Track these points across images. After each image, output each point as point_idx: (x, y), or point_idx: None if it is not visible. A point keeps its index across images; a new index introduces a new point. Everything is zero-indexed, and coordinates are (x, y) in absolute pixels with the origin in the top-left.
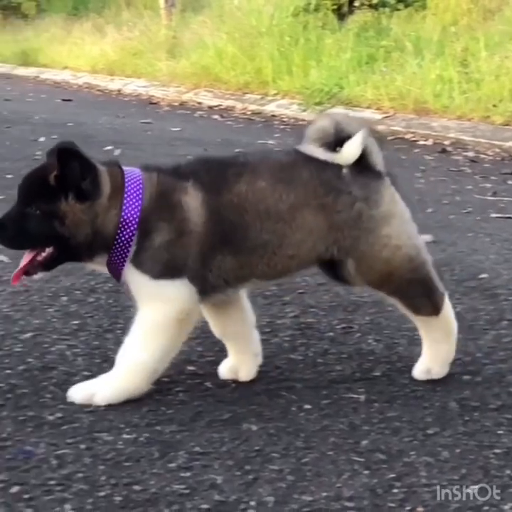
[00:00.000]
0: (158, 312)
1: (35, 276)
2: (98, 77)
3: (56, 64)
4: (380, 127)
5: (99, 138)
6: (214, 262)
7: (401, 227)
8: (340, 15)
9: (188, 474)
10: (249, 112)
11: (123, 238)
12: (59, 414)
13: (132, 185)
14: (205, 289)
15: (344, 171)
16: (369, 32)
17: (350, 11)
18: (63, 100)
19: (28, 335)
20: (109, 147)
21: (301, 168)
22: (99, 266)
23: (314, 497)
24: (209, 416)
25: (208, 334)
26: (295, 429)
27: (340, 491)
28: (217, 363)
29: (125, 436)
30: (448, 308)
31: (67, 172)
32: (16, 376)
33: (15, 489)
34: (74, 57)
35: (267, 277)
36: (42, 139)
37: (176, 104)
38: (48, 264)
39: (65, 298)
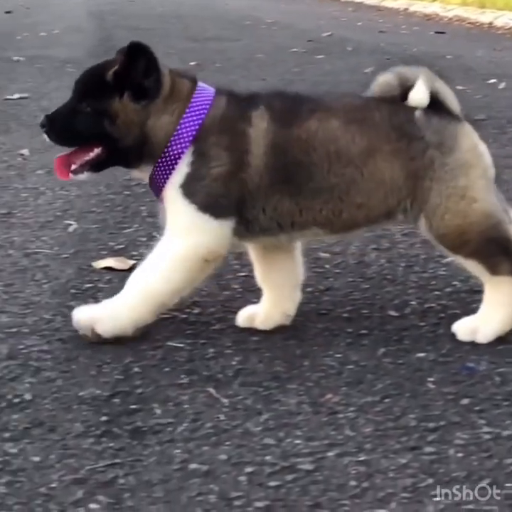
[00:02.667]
0: (188, 246)
1: (82, 176)
2: (468, 10)
3: None
4: None
5: (479, 71)
6: (270, 201)
7: (480, 180)
8: None
9: None
10: None
11: (172, 152)
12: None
13: (198, 101)
14: (254, 230)
15: (417, 113)
16: None
17: None
18: (436, 33)
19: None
20: (492, 80)
21: (373, 110)
22: (144, 175)
23: None
24: None
25: None
26: None
27: None
28: None
29: None
30: None
31: (132, 68)
32: (445, 297)
33: (465, 401)
34: None
35: (330, 227)
36: None
37: None
38: (95, 165)
39: None
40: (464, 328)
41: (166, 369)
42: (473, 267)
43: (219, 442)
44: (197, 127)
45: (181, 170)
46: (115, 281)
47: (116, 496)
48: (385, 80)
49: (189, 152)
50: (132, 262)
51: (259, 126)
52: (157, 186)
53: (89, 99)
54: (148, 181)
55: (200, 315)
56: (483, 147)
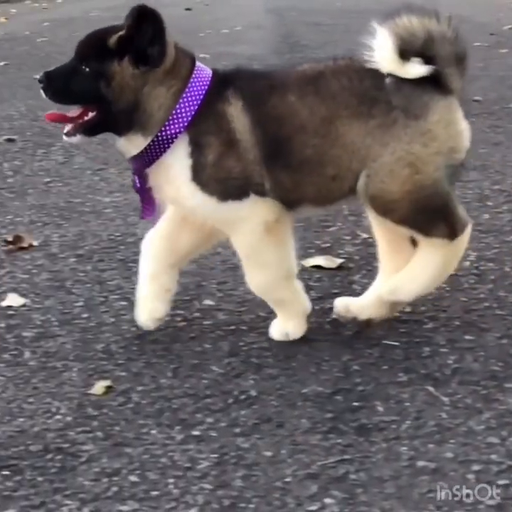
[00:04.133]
0: (244, 234)
1: (74, 139)
2: None
3: None
4: None
5: None
6: (272, 177)
7: (436, 156)
8: None
9: None
10: None
11: (169, 131)
12: None
13: (197, 83)
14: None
15: (387, 80)
16: None
17: None
18: None
19: None
20: None
21: (329, 79)
22: (130, 146)
23: None
24: None
25: None
26: None
27: None
28: None
29: None
30: (461, 246)
31: (138, 33)
32: None
33: None
34: None
35: (316, 202)
36: None
37: None
38: (88, 128)
39: None
40: (386, 289)
41: (384, 367)
42: (405, 231)
43: (443, 440)
44: (194, 111)
45: (184, 163)
46: (324, 279)
47: (349, 491)
48: (412, 27)
49: (185, 142)
50: (340, 260)
51: (237, 105)
52: (145, 162)
53: (89, 61)
54: (133, 156)
55: (412, 313)
56: (461, 127)
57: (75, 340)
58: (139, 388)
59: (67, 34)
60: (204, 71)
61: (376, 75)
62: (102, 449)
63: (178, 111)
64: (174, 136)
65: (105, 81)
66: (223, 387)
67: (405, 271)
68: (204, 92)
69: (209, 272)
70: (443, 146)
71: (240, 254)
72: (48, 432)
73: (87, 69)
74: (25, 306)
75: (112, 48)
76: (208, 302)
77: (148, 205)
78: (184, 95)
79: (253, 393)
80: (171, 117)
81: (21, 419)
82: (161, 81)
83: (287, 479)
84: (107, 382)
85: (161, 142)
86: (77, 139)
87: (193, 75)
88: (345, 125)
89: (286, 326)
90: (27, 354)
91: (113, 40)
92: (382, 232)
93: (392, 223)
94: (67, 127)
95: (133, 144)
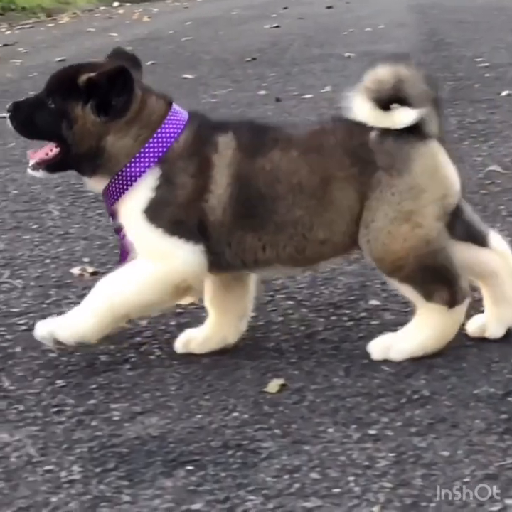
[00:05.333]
0: (159, 271)
1: (37, 174)
2: None
3: None
4: None
5: None
6: (234, 237)
7: (431, 205)
8: None
9: None
10: None
11: (130, 172)
12: None
13: (168, 128)
14: (221, 265)
15: (371, 135)
16: None
17: None
18: None
19: None
20: None
21: (329, 134)
22: (97, 186)
23: None
24: None
25: None
26: None
27: None
28: None
29: None
30: (458, 317)
31: (107, 82)
32: None
33: None
34: None
35: (293, 264)
36: None
37: None
38: (51, 165)
39: None
40: (376, 347)
41: None
42: (408, 293)
43: None
44: (162, 152)
45: (144, 194)
46: None
47: None
48: (381, 76)
49: (153, 176)
50: None
51: (225, 154)
52: (109, 201)
53: (55, 97)
54: (103, 193)
55: None
56: (447, 170)
57: (244, 338)
58: (313, 387)
59: (211, 33)
60: (178, 116)
61: (362, 129)
62: (281, 446)
63: (142, 153)
64: (135, 176)
65: (67, 122)
66: (395, 387)
67: (401, 330)
68: (175, 136)
69: (372, 272)
70: (434, 196)
71: (133, 269)
72: (226, 428)
73: (53, 105)
74: (193, 304)
75: (81, 88)
76: (374, 302)
77: (123, 247)
78: (151, 139)
79: (426, 393)
80: (133, 159)
81: (199, 416)
82: (125, 131)
83: (466, 479)
84: (280, 381)
85: (121, 181)
86: (40, 173)
87: (166, 121)
88: (341, 189)
89: None
90: None
91: (82, 79)
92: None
93: (399, 283)
94: (32, 161)
95: (100, 184)
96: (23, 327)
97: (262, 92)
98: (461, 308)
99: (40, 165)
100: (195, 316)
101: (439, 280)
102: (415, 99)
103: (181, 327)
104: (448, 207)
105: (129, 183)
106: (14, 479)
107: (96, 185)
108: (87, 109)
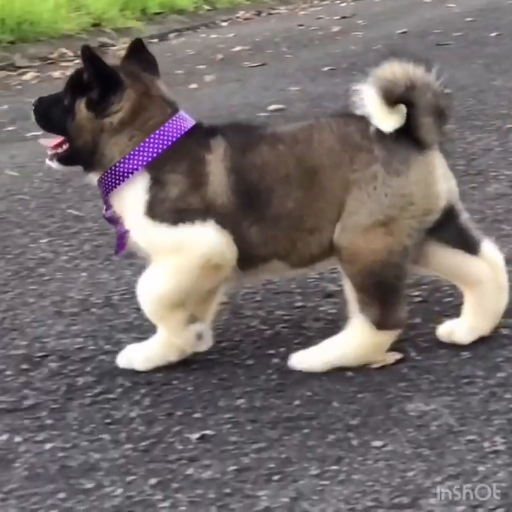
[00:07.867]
0: (176, 263)
1: (53, 165)
2: None
3: None
4: None
5: None
6: (240, 228)
7: (411, 220)
8: None
9: None
10: None
11: (123, 166)
12: None
13: (166, 131)
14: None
15: (372, 128)
16: None
17: None
18: None
19: None
20: None
21: (321, 129)
22: (95, 181)
23: None
24: None
25: None
26: None
27: None
28: None
29: None
30: (383, 342)
31: (96, 80)
32: None
33: None
34: None
35: (289, 260)
36: None
37: None
38: (61, 158)
39: None
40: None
41: None
42: (349, 292)
43: None
44: (155, 153)
45: (141, 197)
46: None
47: None
48: (393, 74)
49: (146, 178)
50: None
51: (218, 152)
52: (103, 192)
53: (67, 94)
54: (98, 185)
55: None
56: (439, 187)
57: None
58: None
59: None
60: (181, 122)
61: (362, 120)
62: None
63: (136, 152)
64: (129, 171)
65: (71, 117)
66: None
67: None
68: (176, 137)
69: None
70: (418, 209)
71: (159, 264)
72: None
73: (66, 101)
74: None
75: (82, 84)
76: None
77: (119, 239)
78: (147, 139)
79: None
80: (127, 155)
81: None
82: (118, 130)
83: None
84: None
85: (112, 177)
86: (54, 165)
87: (165, 125)
88: (328, 177)
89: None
90: None
91: (83, 76)
92: None
93: (346, 276)
94: (49, 151)
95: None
96: (418, 299)
97: None
98: (388, 335)
99: (53, 156)
100: None
101: (380, 296)
102: (420, 107)
103: None
104: (426, 223)
105: (119, 179)
106: (438, 447)
107: (95, 181)
108: (82, 104)
